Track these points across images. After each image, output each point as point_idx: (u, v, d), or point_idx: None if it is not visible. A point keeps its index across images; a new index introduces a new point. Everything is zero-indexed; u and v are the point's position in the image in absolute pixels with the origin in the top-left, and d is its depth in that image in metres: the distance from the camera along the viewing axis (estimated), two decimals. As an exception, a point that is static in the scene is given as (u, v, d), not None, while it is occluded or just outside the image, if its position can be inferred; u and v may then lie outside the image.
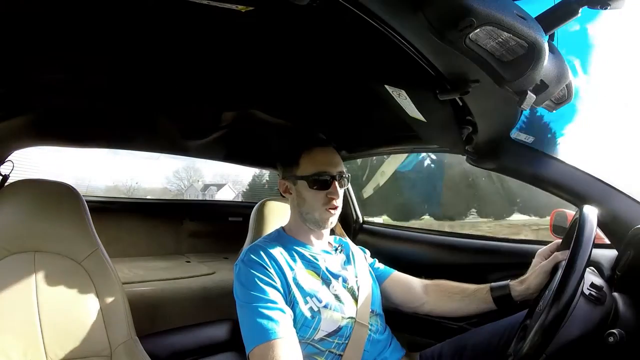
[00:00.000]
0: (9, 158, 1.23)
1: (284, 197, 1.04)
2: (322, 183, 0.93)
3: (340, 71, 1.01)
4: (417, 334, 1.21)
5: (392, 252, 1.53)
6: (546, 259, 0.89)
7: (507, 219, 4.02)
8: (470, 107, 0.75)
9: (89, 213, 1.03)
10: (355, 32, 0.69)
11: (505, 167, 1.01)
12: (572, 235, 0.72)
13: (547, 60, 0.52)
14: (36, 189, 0.99)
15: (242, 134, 1.56)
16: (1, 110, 1.11)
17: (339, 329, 0.88)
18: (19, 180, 1.01)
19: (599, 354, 0.66)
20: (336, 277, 0.95)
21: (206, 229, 2.31)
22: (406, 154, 1.95)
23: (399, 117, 0.95)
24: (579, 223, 0.71)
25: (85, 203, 1.04)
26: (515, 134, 0.95)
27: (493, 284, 0.96)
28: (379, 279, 1.07)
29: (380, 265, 1.12)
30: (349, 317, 0.90)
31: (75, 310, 0.94)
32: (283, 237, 1.00)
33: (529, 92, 0.56)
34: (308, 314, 0.86)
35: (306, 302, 0.87)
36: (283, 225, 1.05)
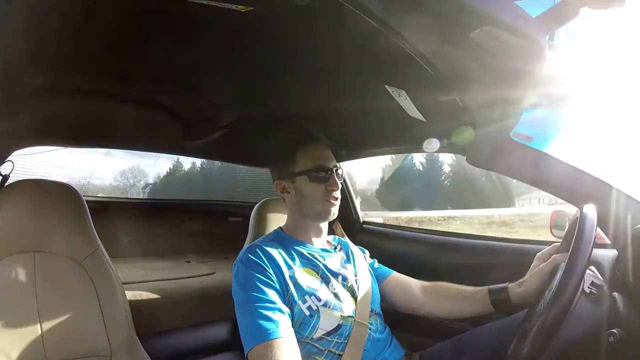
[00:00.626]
0: (9, 158, 1.23)
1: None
2: (322, 176, 0.96)
3: (341, 71, 1.01)
4: (417, 334, 1.21)
5: (392, 252, 1.53)
6: (545, 262, 0.89)
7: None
8: (470, 107, 0.76)
9: (89, 213, 1.03)
10: (355, 32, 0.69)
11: (505, 167, 1.01)
12: (571, 235, 0.72)
13: (547, 60, 0.52)
14: (36, 189, 0.99)
15: (242, 134, 1.56)
16: (1, 111, 1.11)
17: (338, 327, 0.88)
18: (18, 181, 1.01)
19: (599, 353, 0.66)
20: (335, 275, 0.95)
21: (206, 229, 2.31)
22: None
23: (399, 117, 0.95)
24: (579, 223, 0.71)
25: (85, 203, 1.04)
26: (515, 134, 0.95)
27: (492, 286, 0.96)
28: (378, 279, 1.07)
29: (380, 266, 1.12)
30: (348, 316, 0.90)
31: (75, 310, 0.94)
32: (281, 237, 1.00)
33: (529, 91, 0.56)
34: (307, 313, 0.86)
35: (305, 301, 0.87)
36: (282, 225, 1.05)
